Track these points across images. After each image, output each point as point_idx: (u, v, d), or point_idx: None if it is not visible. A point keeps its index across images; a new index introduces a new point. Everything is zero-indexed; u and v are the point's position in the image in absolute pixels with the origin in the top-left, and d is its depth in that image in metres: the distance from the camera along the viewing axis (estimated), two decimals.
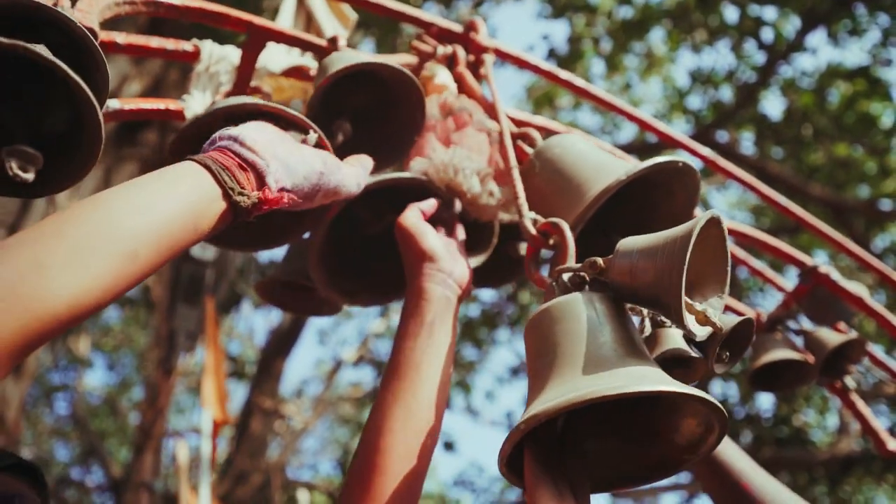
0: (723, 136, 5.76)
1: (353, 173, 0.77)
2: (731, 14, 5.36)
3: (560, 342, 0.65)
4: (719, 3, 5.19)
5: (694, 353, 0.76)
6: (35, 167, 0.58)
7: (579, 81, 1.26)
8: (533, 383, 0.64)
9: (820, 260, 1.37)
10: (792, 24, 5.21)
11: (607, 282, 0.68)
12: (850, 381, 1.34)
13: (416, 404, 0.73)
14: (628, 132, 6.70)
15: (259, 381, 6.28)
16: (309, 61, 1.06)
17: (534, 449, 0.60)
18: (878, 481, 6.18)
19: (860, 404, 1.38)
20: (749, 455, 0.96)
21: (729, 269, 0.65)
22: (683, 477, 6.41)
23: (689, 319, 0.63)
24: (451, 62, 1.07)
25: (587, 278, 0.70)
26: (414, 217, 0.85)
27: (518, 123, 1.16)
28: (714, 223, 0.64)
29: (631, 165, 0.78)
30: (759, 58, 5.46)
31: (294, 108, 0.84)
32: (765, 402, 6.49)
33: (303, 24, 1.34)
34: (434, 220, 0.90)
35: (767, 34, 5.21)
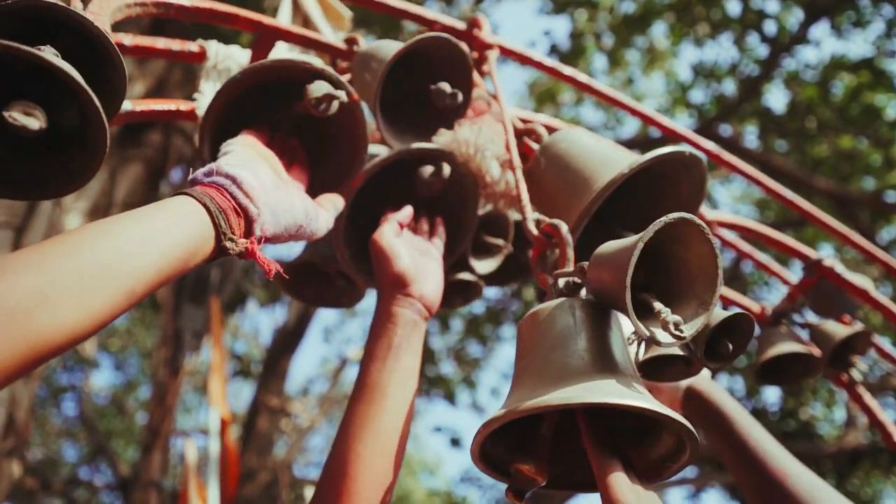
0: (726, 129, 5.75)
1: (326, 220, 0.78)
2: (733, 7, 5.37)
3: (535, 348, 0.66)
4: None
5: (682, 352, 0.77)
6: (38, 119, 0.56)
7: (582, 77, 1.26)
8: (511, 385, 0.66)
9: (825, 253, 1.37)
10: (795, 17, 5.19)
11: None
12: (856, 374, 1.34)
13: (383, 428, 0.74)
14: (631, 127, 6.69)
15: (265, 380, 6.30)
16: (313, 59, 1.06)
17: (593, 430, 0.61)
18: (886, 474, 6.17)
19: (867, 397, 1.39)
20: None
21: (719, 274, 0.62)
22: (690, 472, 6.42)
23: (646, 327, 0.61)
24: None
25: (581, 282, 0.70)
26: (389, 235, 0.86)
27: (522, 122, 1.16)
28: (689, 227, 0.62)
29: (635, 157, 0.78)
30: (762, 51, 5.45)
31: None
32: (771, 395, 6.49)
33: (300, 23, 1.35)
34: (410, 230, 0.91)
35: (770, 27, 5.20)
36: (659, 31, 6.03)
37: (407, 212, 0.90)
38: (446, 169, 0.90)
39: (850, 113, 5.22)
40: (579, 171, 0.82)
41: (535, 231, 0.78)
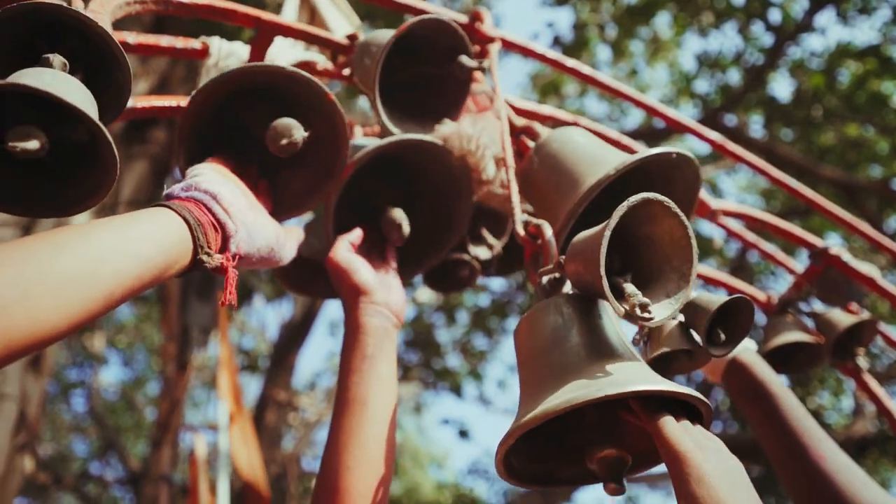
0: (731, 119, 5.72)
1: (291, 249, 0.80)
2: None
3: (532, 355, 0.66)
4: None
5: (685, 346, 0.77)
6: (37, 138, 0.57)
7: (586, 69, 1.26)
8: (519, 398, 0.66)
9: (833, 241, 1.37)
10: (800, 4, 5.15)
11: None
12: (862, 362, 1.34)
13: (368, 439, 0.75)
14: (636, 118, 6.66)
15: (272, 374, 6.33)
16: (315, 56, 1.06)
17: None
18: (895, 462, 6.16)
19: (873, 385, 1.38)
20: None
21: (692, 244, 0.63)
22: None
23: (622, 308, 0.62)
24: None
25: (561, 277, 0.71)
26: (344, 251, 0.86)
27: (524, 113, 1.16)
28: (654, 206, 0.62)
29: (625, 158, 0.78)
30: (767, 39, 5.41)
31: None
32: None
33: (307, 18, 1.35)
34: (366, 247, 0.91)
35: (775, 15, 5.16)
36: (662, 22, 5.99)
37: (357, 233, 0.90)
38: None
39: (857, 101, 5.18)
40: (570, 171, 0.82)
41: (521, 232, 0.78)
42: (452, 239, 0.98)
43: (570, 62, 1.25)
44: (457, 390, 7.79)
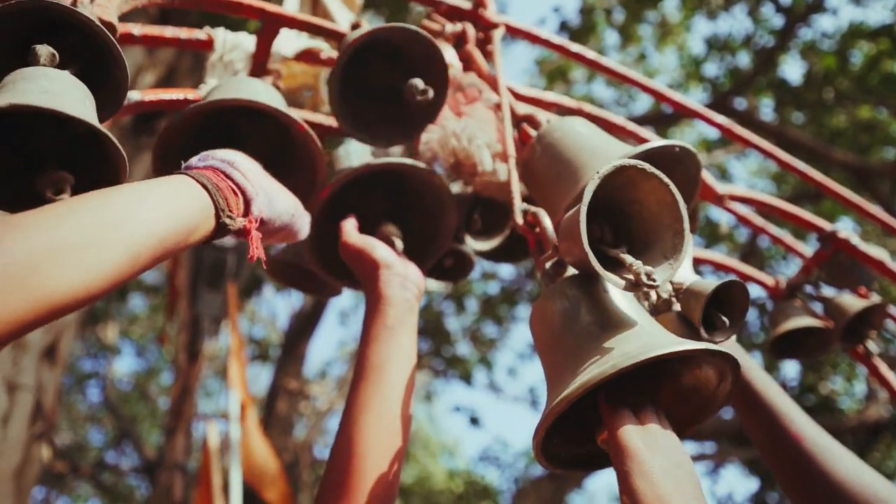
0: (741, 103, 5.66)
1: (308, 222, 0.80)
2: None
3: (548, 341, 0.67)
4: None
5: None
6: (68, 184, 0.59)
7: (590, 54, 1.25)
8: (547, 381, 0.67)
9: (845, 225, 1.36)
10: None
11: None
12: (872, 346, 1.34)
13: (386, 407, 0.76)
14: (644, 103, 6.61)
15: (283, 364, 6.38)
16: (319, 43, 1.06)
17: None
18: None
19: (884, 369, 1.38)
20: None
21: (678, 200, 0.62)
22: (709, 447, 6.42)
23: (618, 280, 0.62)
24: (460, 40, 1.07)
25: (560, 259, 0.71)
26: (354, 233, 0.88)
27: (530, 101, 1.16)
28: (630, 173, 0.62)
29: (627, 149, 0.78)
30: (778, 21, 5.33)
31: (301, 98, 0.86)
32: (791, 370, 6.45)
33: (309, 8, 1.34)
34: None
35: None
36: (671, 5, 5.93)
37: (352, 220, 0.91)
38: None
39: (869, 82, 5.10)
40: (571, 161, 0.82)
41: (520, 221, 0.78)
42: (437, 254, 0.99)
43: (575, 47, 1.24)
44: (467, 378, 7.82)
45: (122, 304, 8.40)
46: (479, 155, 0.90)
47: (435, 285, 7.25)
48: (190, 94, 0.90)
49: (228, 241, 5.42)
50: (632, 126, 1.25)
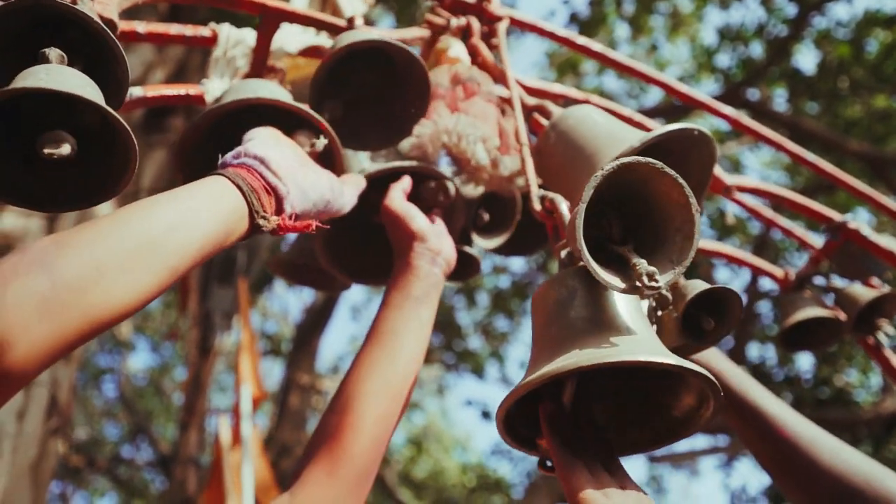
0: (754, 94, 5.60)
1: (350, 196, 0.80)
2: None
3: (538, 327, 0.67)
4: None
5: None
6: (68, 142, 0.58)
7: (596, 46, 1.25)
8: (528, 363, 0.67)
9: (861, 217, 1.34)
10: None
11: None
12: (883, 337, 1.32)
13: (393, 371, 0.76)
14: (655, 95, 6.56)
15: (296, 358, 6.42)
16: (325, 40, 1.06)
17: (554, 431, 0.63)
18: None
19: (895, 360, 1.36)
20: None
21: (688, 195, 0.60)
22: (722, 440, 6.39)
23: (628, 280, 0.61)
24: (465, 34, 1.07)
25: None
26: (399, 199, 0.88)
27: (536, 92, 1.15)
28: (639, 168, 0.60)
29: (643, 134, 0.77)
30: (791, 10, 5.26)
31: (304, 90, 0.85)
32: (805, 363, 6.39)
33: (318, 3, 1.34)
34: (417, 202, 0.92)
35: None
36: None
37: (407, 181, 0.91)
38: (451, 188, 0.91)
39: (885, 71, 5.03)
40: (586, 147, 0.82)
41: (538, 207, 0.78)
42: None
43: (581, 39, 1.24)
44: (479, 372, 7.83)
45: None
46: (471, 150, 0.90)
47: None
48: (191, 90, 0.90)
49: None
50: (638, 118, 1.24)
